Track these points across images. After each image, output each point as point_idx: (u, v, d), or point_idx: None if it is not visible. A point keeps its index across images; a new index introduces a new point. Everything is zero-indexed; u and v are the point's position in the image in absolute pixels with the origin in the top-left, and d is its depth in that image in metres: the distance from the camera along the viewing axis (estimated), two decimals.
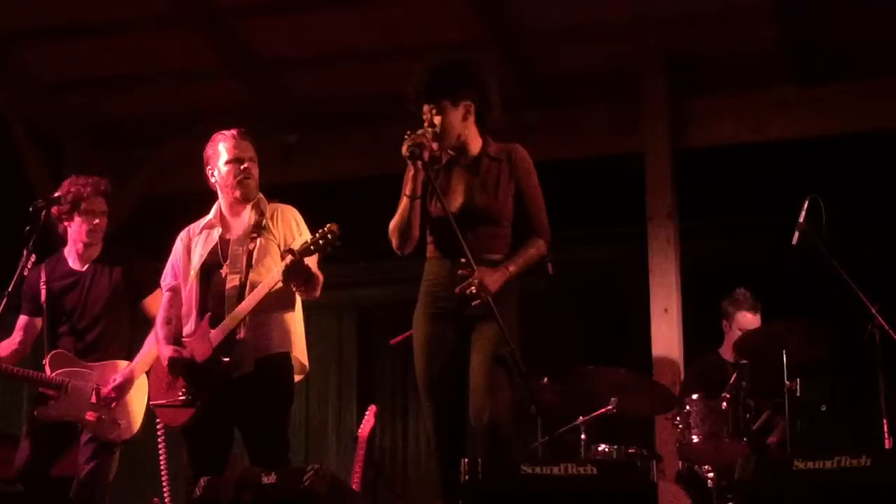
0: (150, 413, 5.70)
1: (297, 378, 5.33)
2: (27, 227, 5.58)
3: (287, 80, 8.78)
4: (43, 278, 5.85)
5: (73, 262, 5.92)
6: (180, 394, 5.15)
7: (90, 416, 5.65)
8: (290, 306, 5.24)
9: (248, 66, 8.60)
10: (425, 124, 4.87)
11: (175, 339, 5.25)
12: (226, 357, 5.06)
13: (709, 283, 7.50)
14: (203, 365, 5.08)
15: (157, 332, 5.34)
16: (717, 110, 8.29)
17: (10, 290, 5.51)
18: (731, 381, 6.55)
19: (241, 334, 5.09)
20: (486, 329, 4.80)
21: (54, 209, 5.85)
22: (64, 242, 5.98)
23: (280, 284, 5.03)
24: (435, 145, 4.87)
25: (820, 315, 6.25)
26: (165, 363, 5.19)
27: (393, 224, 4.94)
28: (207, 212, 5.44)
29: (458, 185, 4.92)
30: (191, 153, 8.86)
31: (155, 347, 5.71)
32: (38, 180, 8.65)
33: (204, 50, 8.35)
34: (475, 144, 4.98)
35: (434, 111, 4.88)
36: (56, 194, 5.88)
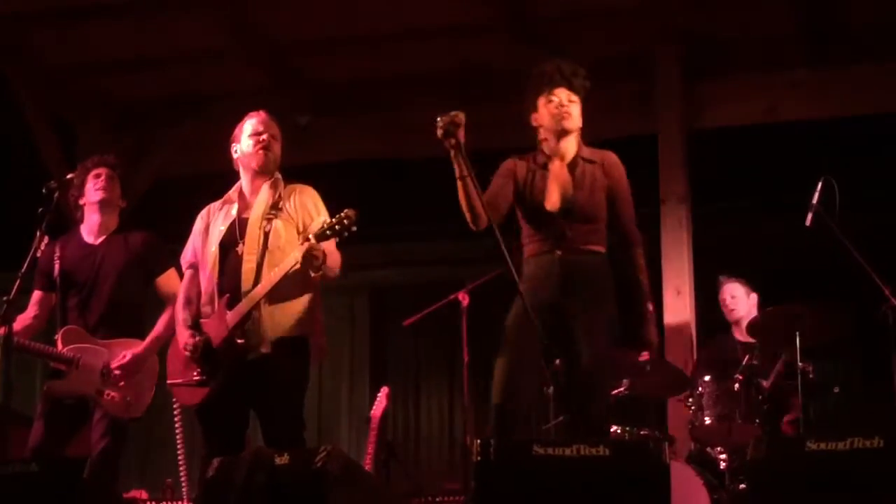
0: (166, 392, 5.73)
1: (316, 360, 5.34)
2: (40, 209, 5.59)
3: (299, 62, 8.78)
4: (57, 253, 5.87)
5: (88, 237, 5.94)
6: (195, 373, 5.17)
7: (98, 392, 5.66)
8: (308, 289, 5.25)
9: (260, 48, 8.60)
10: (557, 105, 5.14)
11: (194, 320, 5.28)
12: (242, 339, 5.08)
13: (721, 265, 7.49)
14: (219, 347, 5.11)
15: (178, 314, 5.36)
16: (731, 92, 8.27)
17: (22, 271, 5.52)
18: (744, 363, 6.55)
19: (258, 316, 5.10)
20: (588, 329, 5.00)
21: (70, 192, 5.88)
22: (79, 223, 6.00)
23: (297, 267, 5.04)
24: (564, 118, 5.16)
25: (833, 297, 6.24)
26: (181, 346, 5.21)
27: (461, 205, 5.10)
28: (222, 193, 5.45)
29: (553, 183, 5.13)
30: (203, 135, 8.94)
31: (167, 328, 5.74)
32: (52, 162, 8.67)
33: (217, 32, 8.35)
34: (573, 148, 5.23)
35: (572, 100, 5.19)
36: (68, 176, 5.91)
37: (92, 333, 5.78)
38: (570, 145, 5.22)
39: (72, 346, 5.74)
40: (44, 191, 5.63)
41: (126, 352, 5.73)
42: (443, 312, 6.93)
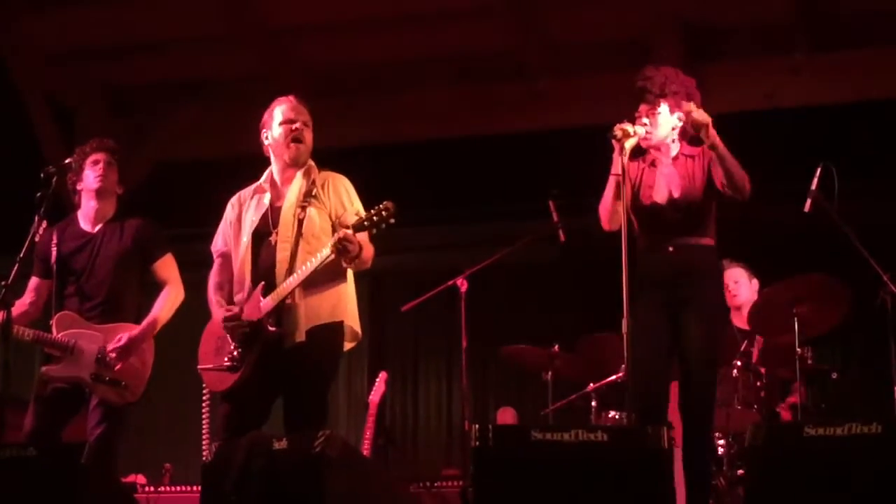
0: (165, 377, 5.72)
1: (349, 346, 5.36)
2: (38, 194, 5.58)
3: (297, 47, 8.77)
4: (54, 240, 5.86)
5: (85, 224, 5.93)
6: (226, 359, 5.16)
7: (94, 376, 5.65)
8: (342, 276, 5.23)
9: (258, 33, 8.58)
10: (634, 131, 5.15)
11: (227, 302, 5.27)
12: (274, 326, 5.08)
13: (719, 250, 7.47)
14: (253, 332, 5.10)
15: (210, 297, 5.35)
16: (730, 77, 8.25)
17: (21, 256, 5.51)
18: (742, 349, 6.55)
19: (292, 305, 5.09)
20: (697, 315, 5.07)
21: (67, 176, 5.87)
22: (77, 209, 5.99)
23: (332, 258, 5.03)
24: (646, 139, 5.21)
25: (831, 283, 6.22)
26: (220, 322, 5.18)
27: (601, 202, 5.26)
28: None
29: (661, 179, 5.23)
30: (202, 120, 8.94)
31: (164, 312, 5.76)
32: (50, 147, 8.66)
33: (215, 17, 8.34)
34: (676, 146, 5.30)
35: (653, 113, 5.23)
36: (67, 161, 5.89)
37: (88, 319, 5.77)
38: (671, 146, 5.30)
39: (66, 332, 5.73)
40: (42, 175, 5.62)
41: (121, 334, 5.73)
42: (441, 298, 6.92)
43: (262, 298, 5.08)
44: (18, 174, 6.79)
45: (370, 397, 7.84)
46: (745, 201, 5.19)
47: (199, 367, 5.34)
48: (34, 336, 5.76)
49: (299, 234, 5.14)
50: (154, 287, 5.91)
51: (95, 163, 5.89)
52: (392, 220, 4.94)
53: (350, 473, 4.48)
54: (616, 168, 5.09)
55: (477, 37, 8.41)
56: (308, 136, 5.31)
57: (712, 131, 5.07)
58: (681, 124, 5.26)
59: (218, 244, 5.42)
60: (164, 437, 9.61)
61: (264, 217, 5.25)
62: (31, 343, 5.81)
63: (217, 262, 5.40)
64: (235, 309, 5.13)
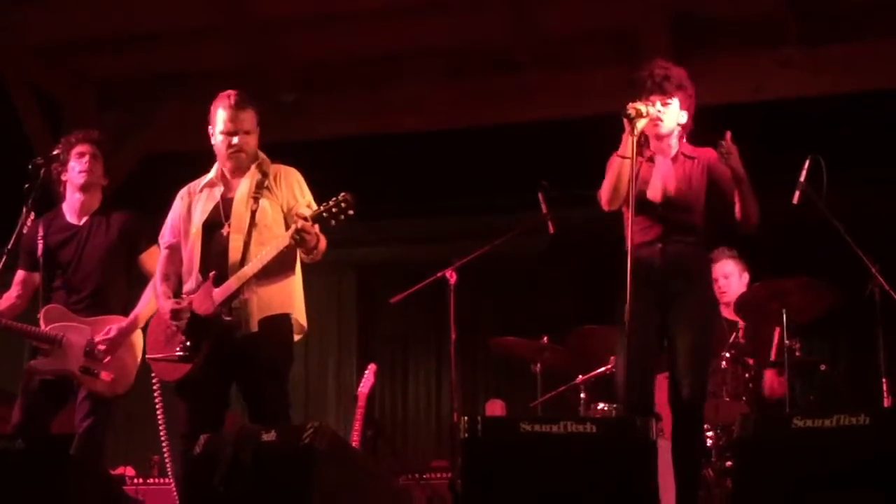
0: (145, 368, 5.71)
1: (296, 338, 5.34)
2: (26, 185, 5.57)
3: (286, 39, 8.74)
4: (41, 233, 5.85)
5: (71, 217, 5.92)
6: (178, 349, 5.14)
7: (82, 369, 5.64)
8: (291, 268, 5.25)
9: (247, 25, 8.55)
10: (647, 112, 5.15)
11: (174, 294, 5.26)
12: (229, 316, 5.07)
13: (709, 240, 7.47)
14: (205, 321, 5.09)
15: (157, 288, 5.34)
16: (719, 69, 8.24)
17: (9, 247, 5.50)
18: (731, 340, 6.56)
19: (245, 295, 5.09)
20: (688, 310, 5.12)
21: (52, 167, 5.85)
22: (63, 200, 5.98)
23: (286, 248, 5.03)
24: (655, 125, 5.25)
25: (820, 275, 6.23)
26: (167, 316, 5.18)
27: (604, 183, 5.27)
28: (208, 170, 5.42)
29: (657, 176, 5.27)
30: (190, 112, 8.90)
31: (151, 304, 5.74)
32: (38, 140, 8.63)
33: (204, 9, 8.31)
34: (675, 144, 5.37)
35: (666, 103, 5.27)
36: (54, 152, 5.88)
37: (76, 312, 5.76)
38: (672, 143, 5.34)
39: (54, 325, 5.73)
40: (30, 167, 5.61)
41: (110, 326, 5.72)
42: (430, 290, 6.92)
43: (213, 289, 5.07)
44: (6, 166, 6.77)
45: (359, 389, 7.84)
46: (750, 233, 5.27)
47: (147, 356, 5.33)
48: (22, 329, 5.75)
49: (252, 224, 5.15)
50: (142, 279, 5.91)
51: (80, 155, 5.88)
52: (351, 212, 4.94)
53: (339, 465, 4.48)
54: (625, 149, 5.11)
55: (467, 29, 8.40)
56: (250, 142, 5.30)
57: (742, 170, 5.10)
58: (685, 121, 5.31)
59: (165, 236, 5.42)
60: (152, 430, 9.58)
61: (216, 208, 5.26)
62: (19, 336, 5.80)
63: (164, 253, 5.41)
64: (184, 302, 5.13)
